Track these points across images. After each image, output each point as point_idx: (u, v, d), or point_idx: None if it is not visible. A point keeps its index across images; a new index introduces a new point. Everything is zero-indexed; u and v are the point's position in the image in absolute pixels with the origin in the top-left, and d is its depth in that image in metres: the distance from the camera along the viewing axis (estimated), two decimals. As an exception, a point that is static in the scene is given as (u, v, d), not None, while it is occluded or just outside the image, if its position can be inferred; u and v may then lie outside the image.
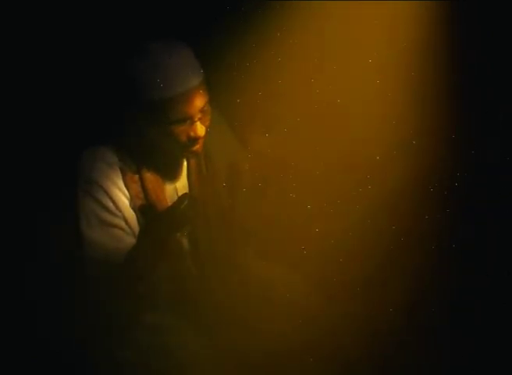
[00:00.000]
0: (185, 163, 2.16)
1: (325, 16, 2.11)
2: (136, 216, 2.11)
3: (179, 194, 2.04)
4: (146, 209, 2.07)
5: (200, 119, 2.00)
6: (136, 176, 2.11)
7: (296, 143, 2.24)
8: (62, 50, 2.25)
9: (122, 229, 2.08)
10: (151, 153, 2.08)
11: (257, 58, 2.18)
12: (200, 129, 2.00)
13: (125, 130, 2.08)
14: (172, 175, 2.14)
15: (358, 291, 2.09)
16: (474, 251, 2.16)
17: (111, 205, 2.07)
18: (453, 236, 2.16)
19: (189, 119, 1.98)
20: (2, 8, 2.14)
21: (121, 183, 2.09)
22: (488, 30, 2.08)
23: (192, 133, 2.00)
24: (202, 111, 1.99)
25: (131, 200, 2.10)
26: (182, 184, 2.15)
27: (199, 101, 1.98)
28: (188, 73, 1.96)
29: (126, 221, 2.09)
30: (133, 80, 1.94)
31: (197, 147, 2.02)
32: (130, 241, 2.07)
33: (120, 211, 2.08)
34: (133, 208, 2.10)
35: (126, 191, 2.09)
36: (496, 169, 2.14)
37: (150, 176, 2.11)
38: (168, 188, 2.13)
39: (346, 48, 2.11)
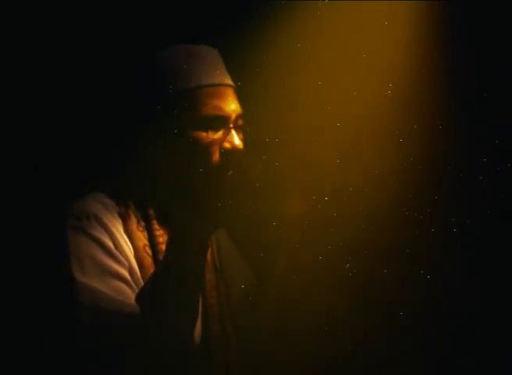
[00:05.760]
0: None
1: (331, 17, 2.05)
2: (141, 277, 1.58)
3: None
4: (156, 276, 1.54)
5: (235, 129, 1.60)
6: (142, 224, 1.62)
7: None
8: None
9: (125, 282, 1.54)
10: (165, 189, 1.61)
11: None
12: (238, 139, 1.58)
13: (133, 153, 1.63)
14: None
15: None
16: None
17: (112, 247, 1.55)
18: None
19: (223, 123, 1.59)
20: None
21: (122, 230, 1.59)
22: (488, 29, 2.05)
23: (227, 144, 1.57)
24: (237, 121, 1.61)
25: (135, 253, 1.58)
26: None
27: (235, 105, 1.63)
28: (222, 69, 1.66)
29: (131, 274, 1.56)
30: (163, 69, 1.60)
31: (231, 172, 1.56)
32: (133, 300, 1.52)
33: (124, 257, 1.55)
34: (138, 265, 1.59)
35: (129, 242, 1.58)
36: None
37: (160, 228, 1.63)
38: None
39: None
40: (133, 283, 1.55)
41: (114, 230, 1.57)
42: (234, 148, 1.59)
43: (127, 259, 1.57)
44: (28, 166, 1.98)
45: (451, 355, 2.00)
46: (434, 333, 2.00)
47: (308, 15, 2.07)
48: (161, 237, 1.63)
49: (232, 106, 1.61)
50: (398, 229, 2.01)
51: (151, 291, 1.48)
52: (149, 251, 1.61)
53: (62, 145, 2.01)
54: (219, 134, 1.59)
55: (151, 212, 1.64)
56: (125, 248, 1.57)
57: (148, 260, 1.60)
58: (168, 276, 1.47)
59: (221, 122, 1.59)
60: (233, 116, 1.60)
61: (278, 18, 2.06)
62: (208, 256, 1.67)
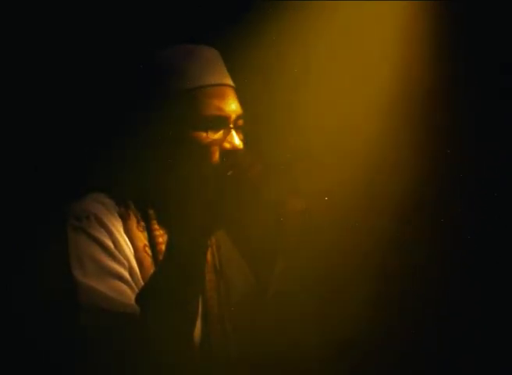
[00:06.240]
0: None
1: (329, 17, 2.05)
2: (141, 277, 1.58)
3: None
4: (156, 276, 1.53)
5: (235, 129, 1.60)
6: (142, 224, 1.61)
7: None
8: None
9: (126, 282, 1.54)
10: (165, 189, 1.61)
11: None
12: (238, 139, 1.58)
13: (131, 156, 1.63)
14: None
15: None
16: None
17: (112, 247, 1.55)
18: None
19: (223, 124, 1.58)
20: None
21: (122, 230, 1.59)
22: (489, 29, 2.05)
23: (227, 145, 1.57)
24: (237, 122, 1.61)
25: (135, 253, 1.58)
26: None
27: (235, 105, 1.62)
28: (222, 69, 1.66)
29: (132, 274, 1.56)
30: (163, 69, 1.60)
31: (231, 172, 1.56)
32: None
33: (124, 257, 1.55)
34: (138, 266, 1.59)
35: (129, 242, 1.58)
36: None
37: (160, 228, 1.62)
38: None
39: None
40: (133, 284, 1.55)
41: (114, 230, 1.57)
42: (234, 149, 1.58)
43: (127, 259, 1.57)
44: (28, 166, 1.98)
45: (451, 358, 2.01)
46: (434, 337, 2.01)
47: (308, 15, 2.07)
48: (161, 237, 1.63)
49: (232, 106, 1.60)
50: (399, 229, 2.01)
51: (150, 292, 1.48)
52: (149, 252, 1.61)
53: (61, 145, 2.01)
54: (219, 134, 1.59)
55: (151, 212, 1.64)
56: (125, 248, 1.57)
57: (148, 260, 1.60)
58: (168, 277, 1.47)
59: (221, 122, 1.58)
60: (233, 116, 1.60)
61: (278, 18, 2.06)
62: (208, 256, 1.67)
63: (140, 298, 1.49)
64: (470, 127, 2.10)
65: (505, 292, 2.03)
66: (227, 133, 1.59)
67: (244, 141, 1.63)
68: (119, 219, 1.60)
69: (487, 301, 2.03)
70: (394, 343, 1.98)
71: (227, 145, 1.58)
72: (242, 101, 1.67)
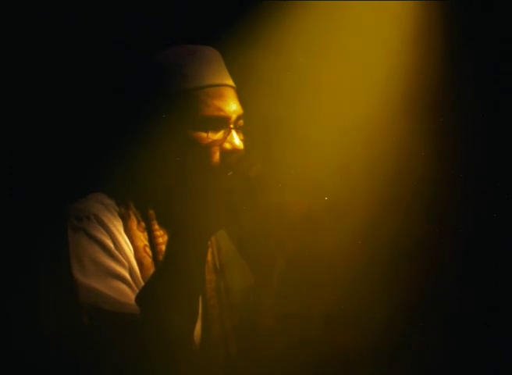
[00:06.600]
0: None
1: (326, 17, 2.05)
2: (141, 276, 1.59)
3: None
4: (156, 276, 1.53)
5: (235, 129, 1.60)
6: (143, 224, 1.62)
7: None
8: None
9: (126, 282, 1.54)
10: (165, 189, 1.61)
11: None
12: (238, 140, 1.58)
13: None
14: None
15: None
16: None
17: (113, 247, 1.55)
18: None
19: (224, 124, 1.58)
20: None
21: (122, 231, 1.59)
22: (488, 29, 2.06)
23: (227, 145, 1.57)
24: (237, 122, 1.60)
25: (135, 253, 1.59)
26: None
27: (235, 105, 1.62)
28: (223, 70, 1.65)
29: (132, 274, 1.56)
30: (163, 69, 1.59)
31: (231, 172, 1.56)
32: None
33: (125, 258, 1.56)
34: (138, 266, 1.59)
35: (129, 242, 1.59)
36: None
37: (160, 228, 1.63)
38: None
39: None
40: (133, 284, 1.55)
41: (114, 230, 1.57)
42: (234, 149, 1.58)
43: (127, 260, 1.57)
44: (28, 166, 1.99)
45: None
46: (434, 336, 2.01)
47: (309, 15, 2.07)
48: (162, 237, 1.63)
49: (232, 107, 1.60)
50: (399, 229, 2.01)
51: (151, 292, 1.48)
52: (149, 252, 1.61)
53: (62, 146, 2.01)
54: (220, 135, 1.58)
55: (151, 212, 1.64)
56: (125, 248, 1.58)
57: (148, 260, 1.60)
58: (168, 277, 1.47)
59: (221, 122, 1.58)
60: (234, 116, 1.60)
61: (278, 18, 2.06)
62: (208, 257, 1.67)
63: (140, 298, 1.49)
64: (471, 127, 2.10)
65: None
66: (227, 133, 1.58)
67: (244, 141, 1.63)
68: (120, 220, 1.60)
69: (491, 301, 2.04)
70: (394, 342, 1.98)
71: (227, 146, 1.58)
72: (243, 102, 1.67)
